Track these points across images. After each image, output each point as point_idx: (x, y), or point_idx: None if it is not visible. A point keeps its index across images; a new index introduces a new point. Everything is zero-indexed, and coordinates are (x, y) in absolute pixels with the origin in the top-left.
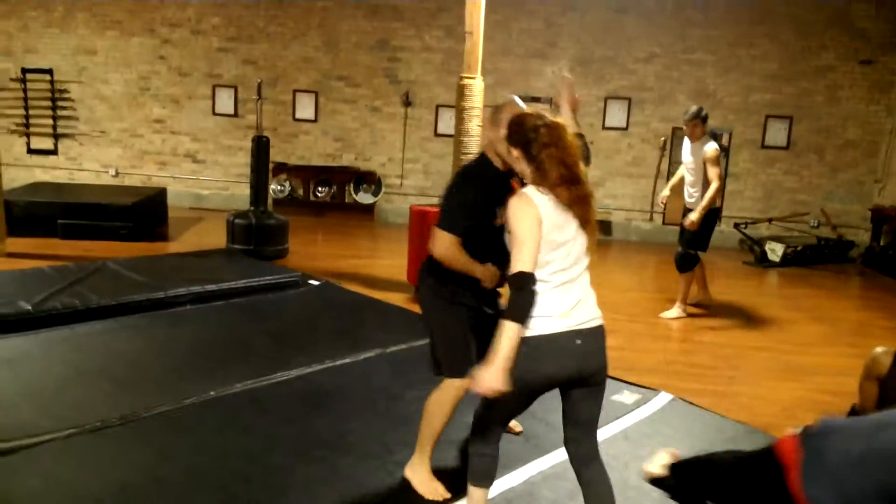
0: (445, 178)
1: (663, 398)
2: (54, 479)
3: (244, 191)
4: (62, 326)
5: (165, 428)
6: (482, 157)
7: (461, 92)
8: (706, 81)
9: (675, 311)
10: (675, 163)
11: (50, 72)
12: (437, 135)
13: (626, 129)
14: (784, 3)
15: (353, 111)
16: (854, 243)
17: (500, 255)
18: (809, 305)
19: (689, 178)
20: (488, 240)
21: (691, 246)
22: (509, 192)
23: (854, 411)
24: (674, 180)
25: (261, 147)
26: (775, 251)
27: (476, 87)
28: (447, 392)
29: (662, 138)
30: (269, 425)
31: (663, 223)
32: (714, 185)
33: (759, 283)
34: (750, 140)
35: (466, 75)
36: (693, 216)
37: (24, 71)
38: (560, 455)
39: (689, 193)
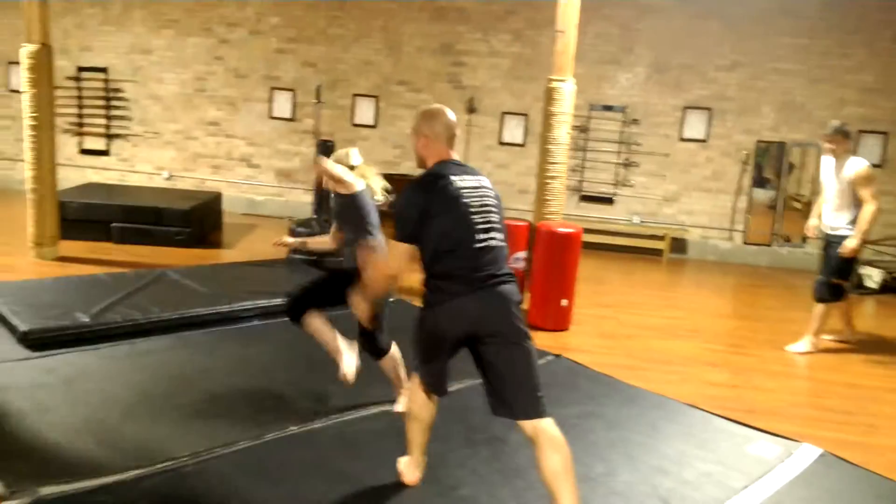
0: (509, 188)
1: (809, 452)
2: None
3: (300, 198)
4: (123, 341)
5: (244, 470)
6: None
7: (550, 95)
8: (794, 93)
9: (805, 344)
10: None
11: (105, 70)
12: (501, 143)
13: (705, 141)
14: (881, 9)
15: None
16: None
17: None
18: None
19: (829, 201)
20: None
21: (839, 275)
22: None
23: None
24: (818, 207)
25: (326, 151)
26: (872, 277)
27: (566, 90)
28: None
29: (745, 152)
30: (364, 471)
31: (745, 242)
32: (869, 207)
33: (861, 312)
34: None
35: (556, 77)
36: (851, 242)
37: (80, 69)
38: None
39: (831, 217)
